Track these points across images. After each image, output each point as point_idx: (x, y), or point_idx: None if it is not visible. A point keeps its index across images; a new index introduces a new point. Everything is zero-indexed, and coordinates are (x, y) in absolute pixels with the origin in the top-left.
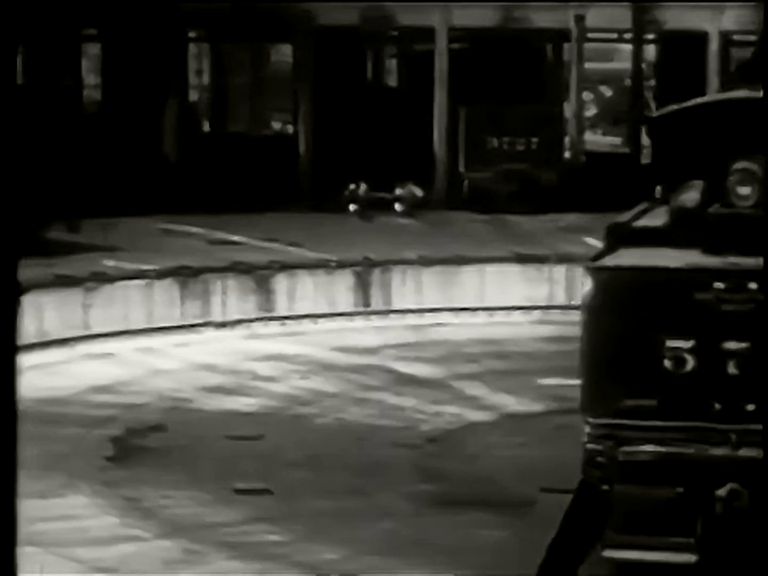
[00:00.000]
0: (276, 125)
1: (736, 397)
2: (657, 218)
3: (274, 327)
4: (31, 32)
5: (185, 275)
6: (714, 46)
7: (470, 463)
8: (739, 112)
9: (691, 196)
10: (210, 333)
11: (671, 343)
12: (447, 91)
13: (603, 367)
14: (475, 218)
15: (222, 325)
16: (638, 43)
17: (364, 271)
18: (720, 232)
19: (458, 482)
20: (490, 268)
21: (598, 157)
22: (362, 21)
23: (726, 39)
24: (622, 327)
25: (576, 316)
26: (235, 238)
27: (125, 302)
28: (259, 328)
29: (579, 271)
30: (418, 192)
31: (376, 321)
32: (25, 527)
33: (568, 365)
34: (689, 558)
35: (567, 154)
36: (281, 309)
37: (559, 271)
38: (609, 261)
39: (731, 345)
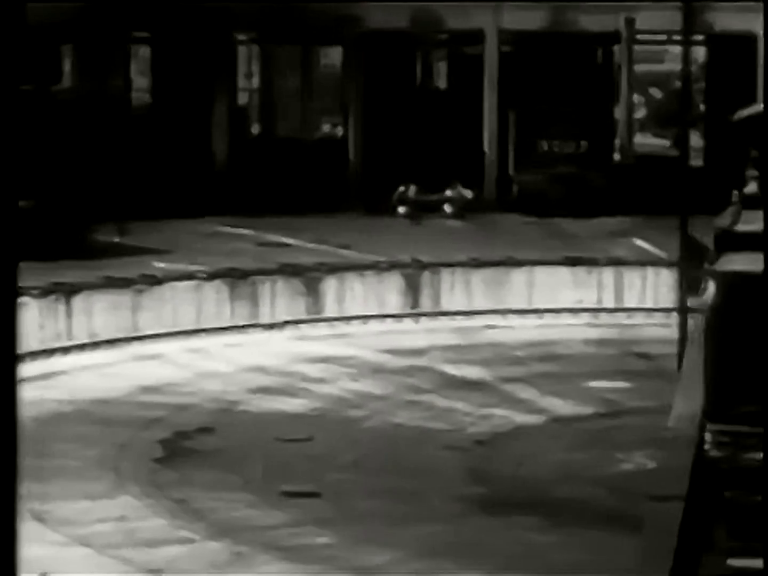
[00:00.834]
0: (325, 128)
1: None
2: (753, 223)
3: (322, 329)
4: (81, 35)
5: (234, 277)
6: (763, 48)
7: (518, 466)
8: None
9: None
10: (259, 335)
11: None
12: (497, 94)
13: (725, 372)
14: (525, 220)
15: (271, 326)
16: (687, 45)
17: (413, 273)
18: None
19: (506, 485)
20: (539, 271)
21: (648, 159)
22: (412, 24)
23: None
24: (745, 331)
25: (624, 318)
26: (285, 240)
27: (174, 304)
28: (307, 329)
29: (628, 274)
30: (468, 194)
31: (424, 323)
32: (75, 529)
33: (616, 368)
34: None
35: (616, 157)
36: (330, 311)
37: (608, 273)
38: (731, 265)
39: None
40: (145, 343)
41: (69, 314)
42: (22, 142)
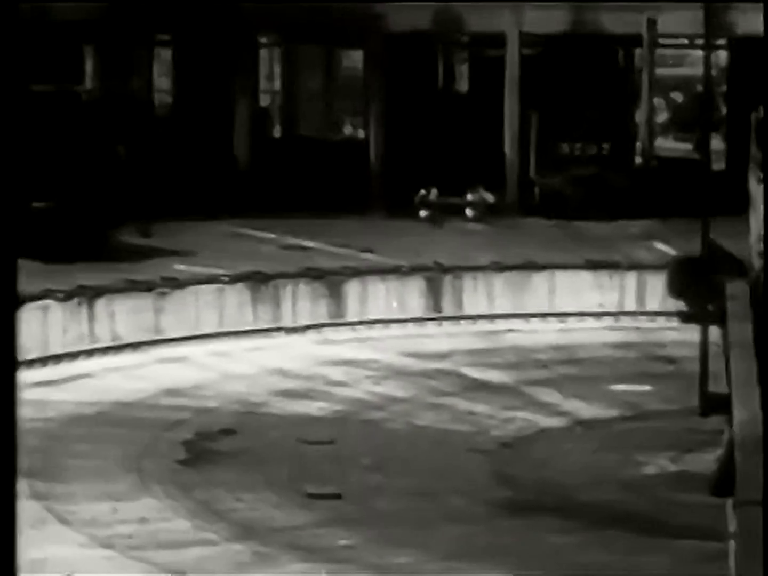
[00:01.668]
0: (347, 130)
1: None
2: None
3: (345, 332)
4: (104, 37)
5: (257, 280)
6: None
7: (542, 469)
8: None
9: None
10: (281, 338)
11: None
12: (518, 96)
13: None
14: (546, 224)
15: (293, 330)
16: (709, 48)
17: (435, 276)
18: None
19: (530, 488)
20: (562, 274)
21: (670, 162)
22: (433, 26)
23: None
24: None
25: (646, 322)
26: (307, 243)
27: (197, 307)
28: (330, 333)
29: (650, 277)
30: (489, 197)
31: (447, 326)
32: (98, 530)
33: (639, 371)
34: None
35: (638, 160)
36: (352, 314)
37: (630, 277)
38: None
39: None
40: (169, 346)
41: (92, 317)
42: (43, 141)
